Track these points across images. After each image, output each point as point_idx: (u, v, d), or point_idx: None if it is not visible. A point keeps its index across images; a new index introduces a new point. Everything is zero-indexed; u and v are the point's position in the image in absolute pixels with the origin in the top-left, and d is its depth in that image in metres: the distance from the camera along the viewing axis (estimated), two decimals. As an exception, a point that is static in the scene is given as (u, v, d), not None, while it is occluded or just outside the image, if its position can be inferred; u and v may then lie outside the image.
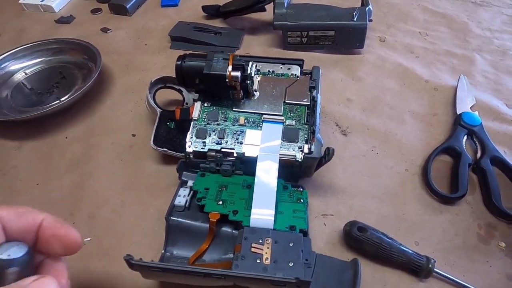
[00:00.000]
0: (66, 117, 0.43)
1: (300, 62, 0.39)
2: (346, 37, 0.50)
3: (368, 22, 0.49)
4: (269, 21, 0.58)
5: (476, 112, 0.42)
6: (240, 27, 0.58)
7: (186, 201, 0.33)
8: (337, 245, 0.32)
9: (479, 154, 0.38)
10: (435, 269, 0.28)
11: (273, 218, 0.29)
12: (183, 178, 0.35)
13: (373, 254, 0.30)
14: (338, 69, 0.50)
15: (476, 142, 0.39)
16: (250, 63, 0.34)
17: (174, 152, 0.36)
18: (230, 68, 0.33)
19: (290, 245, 0.27)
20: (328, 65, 0.50)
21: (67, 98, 0.43)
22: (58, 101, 0.44)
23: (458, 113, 0.42)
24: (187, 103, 0.42)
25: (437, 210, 0.34)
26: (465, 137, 0.39)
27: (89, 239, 0.32)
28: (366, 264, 0.30)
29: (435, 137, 0.41)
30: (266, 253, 0.26)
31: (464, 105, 0.43)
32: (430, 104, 0.45)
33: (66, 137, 0.42)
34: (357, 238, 0.30)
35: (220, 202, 0.31)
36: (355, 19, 0.49)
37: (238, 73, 0.33)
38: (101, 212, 0.34)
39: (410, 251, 0.29)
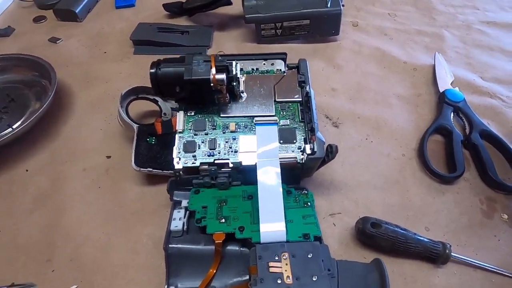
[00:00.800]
0: (23, 146, 0.37)
1: (283, 56, 0.37)
2: (322, 25, 0.49)
3: (341, 7, 0.48)
4: (239, 14, 0.55)
5: (457, 88, 0.43)
6: (208, 24, 0.54)
7: (183, 224, 0.29)
8: (350, 245, 0.30)
9: (467, 130, 0.38)
10: (452, 254, 0.28)
11: (285, 230, 0.27)
12: (176, 198, 0.31)
13: (389, 249, 0.29)
14: (317, 58, 0.49)
15: (463, 118, 0.39)
16: (234, 62, 0.31)
17: (160, 171, 0.33)
18: (213, 70, 0.29)
19: (309, 256, 0.25)
20: (307, 55, 0.48)
21: (21, 124, 0.37)
22: (11, 129, 0.38)
23: (441, 91, 0.42)
24: (165, 114, 0.38)
25: (439, 191, 0.34)
26: (452, 114, 0.40)
27: (75, 286, 0.28)
28: (383, 259, 0.29)
29: (423, 118, 0.41)
30: (286, 270, 0.24)
31: (444, 83, 0.44)
32: (412, 85, 0.45)
33: (27, 170, 0.36)
34: (371, 235, 0.28)
35: (223, 220, 0.28)
36: (328, 5, 0.47)
37: (223, 76, 0.29)
38: (84, 252, 0.30)
39: (426, 240, 0.29)
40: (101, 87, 0.44)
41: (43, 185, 0.34)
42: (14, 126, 0.38)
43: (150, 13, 0.57)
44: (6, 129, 0.38)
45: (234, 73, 0.31)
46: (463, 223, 0.32)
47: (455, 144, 0.36)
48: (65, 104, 0.42)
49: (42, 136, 0.38)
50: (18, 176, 0.35)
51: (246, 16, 0.47)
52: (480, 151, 0.36)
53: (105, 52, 0.50)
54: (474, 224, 0.32)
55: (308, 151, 0.29)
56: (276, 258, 0.25)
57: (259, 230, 0.27)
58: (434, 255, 0.28)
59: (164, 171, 0.33)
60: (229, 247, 0.28)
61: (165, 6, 0.55)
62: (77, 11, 0.54)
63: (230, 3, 0.52)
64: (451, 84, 0.44)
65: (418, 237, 0.29)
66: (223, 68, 0.30)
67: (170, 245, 0.28)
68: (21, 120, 0.39)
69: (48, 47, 0.50)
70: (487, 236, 0.31)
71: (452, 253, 0.28)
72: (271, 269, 0.24)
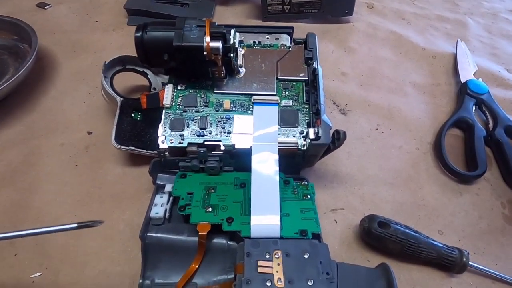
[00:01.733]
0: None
1: (289, 30, 0.33)
2: (334, 3, 0.44)
3: (358, -17, 0.43)
4: (244, -12, 0.51)
5: (480, 79, 0.38)
6: (210, -4, 0.50)
7: (165, 211, 0.26)
8: (353, 245, 0.27)
9: (491, 125, 0.34)
10: (470, 263, 0.24)
11: (279, 224, 0.23)
12: (159, 182, 0.28)
13: (398, 252, 0.25)
14: (327, 40, 0.44)
15: (486, 111, 0.35)
16: (232, 31, 0.27)
17: (144, 150, 0.29)
18: (207, 38, 0.25)
19: (305, 256, 0.22)
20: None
21: (-5, 91, 0.33)
22: (-17, 95, 0.34)
23: (462, 82, 0.38)
24: (154, 88, 0.34)
25: (456, 191, 0.30)
26: (474, 107, 0.36)
27: (39, 274, 0.25)
28: (389, 263, 0.25)
29: (441, 109, 0.37)
30: (277, 271, 0.21)
31: (467, 73, 0.39)
32: (431, 73, 0.41)
33: (-2, 142, 0.32)
34: (378, 235, 0.25)
35: (210, 209, 0.25)
36: (343, -19, 0.43)
37: (219, 44, 0.25)
38: (52, 236, 0.26)
39: (440, 245, 0.25)
40: (88, 57, 0.41)
41: (14, 160, 0.31)
42: (-12, 93, 0.34)
43: (149, -17, 0.52)
44: (-21, 96, 0.34)
45: (231, 42, 0.26)
46: (482, 228, 0.28)
47: (477, 140, 0.32)
48: (47, 73, 0.38)
49: (18, 106, 0.35)
50: (-13, 149, 0.32)
51: (251, -12, 0.43)
52: (504, 148, 0.32)
53: (96, 21, 0.46)
54: (495, 230, 0.28)
55: (312, 135, 0.25)
56: (267, 256, 0.21)
57: (249, 223, 0.23)
58: (449, 262, 0.24)
59: (148, 151, 0.29)
60: (215, 240, 0.25)
61: (165, -25, 0.51)
62: (69, -24, 0.50)
63: (235, -24, 0.48)
64: (473, 74, 0.39)
65: (432, 242, 0.25)
66: (219, 35, 0.26)
67: (148, 234, 0.25)
68: (-3, 87, 0.35)
69: (35, 12, 0.46)
70: (508, 244, 0.27)
71: (469, 262, 0.24)
72: (260, 269, 0.21)
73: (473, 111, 0.35)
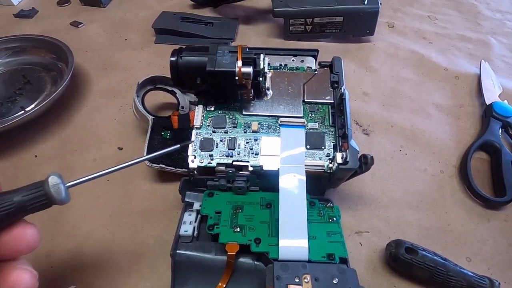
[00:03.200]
0: (34, 130, 0.36)
1: (314, 53, 0.33)
2: (356, 23, 0.45)
3: (379, 5, 0.44)
4: (266, 8, 0.52)
5: (505, 101, 0.38)
6: (234, 16, 0.52)
7: (194, 228, 0.26)
8: (379, 269, 0.27)
9: (518, 149, 0.34)
10: (500, 293, 0.24)
11: (307, 247, 0.24)
12: (187, 200, 0.28)
13: (426, 280, 0.25)
14: (348, 59, 0.45)
15: (513, 135, 0.35)
16: (262, 55, 0.28)
17: (174, 168, 0.30)
18: (239, 63, 0.26)
19: (334, 281, 0.22)
20: (337, 55, 0.45)
21: (34, 108, 0.35)
22: (23, 111, 0.36)
23: (487, 104, 0.38)
24: (183, 107, 0.35)
25: (483, 217, 0.30)
26: (500, 130, 0.35)
27: (73, 287, 0.26)
28: (416, 290, 0.25)
29: (465, 132, 0.37)
30: (307, 296, 0.21)
31: (491, 94, 0.39)
32: (454, 95, 0.41)
33: (36, 156, 0.34)
34: (405, 261, 0.25)
35: (238, 229, 0.26)
36: (365, 3, 0.43)
37: (249, 69, 0.26)
38: (85, 250, 0.27)
39: (470, 273, 0.25)
40: (118, 75, 0.43)
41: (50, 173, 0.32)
42: (27, 109, 0.36)
43: (175, 2, 0.55)
44: (19, 111, 0.36)
45: (261, 67, 0.27)
46: (511, 257, 0.27)
47: (505, 164, 0.32)
48: (81, 90, 0.41)
49: (54, 122, 0.37)
50: (26, 162, 0.33)
51: (274, 9, 0.44)
52: (534, 174, 0.31)
53: (125, 40, 0.48)
54: (525, 259, 0.27)
55: (340, 160, 0.26)
56: (297, 280, 0.22)
57: (277, 245, 0.24)
58: (479, 292, 0.24)
59: (177, 169, 0.30)
60: (241, 260, 0.26)
61: (191, -5, 0.53)
62: (101, -4, 0.53)
63: (258, -4, 0.49)
64: (498, 96, 0.39)
65: (461, 270, 0.25)
66: (250, 61, 0.27)
67: (178, 251, 0.26)
68: (35, 104, 0.37)
69: (69, 31, 0.49)
70: (540, 274, 0.27)
71: (500, 292, 0.24)
72: (291, 293, 0.21)
73: (500, 134, 0.35)
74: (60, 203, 0.19)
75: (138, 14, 0.53)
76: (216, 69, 0.26)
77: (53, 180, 0.19)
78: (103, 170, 0.22)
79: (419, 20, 0.52)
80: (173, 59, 0.27)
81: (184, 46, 0.28)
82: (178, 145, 0.24)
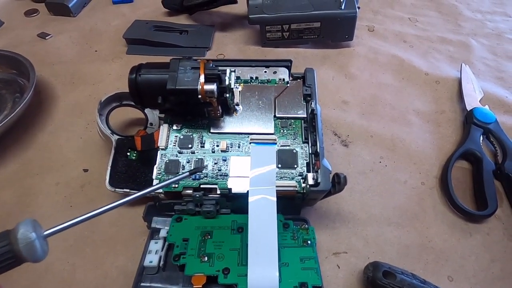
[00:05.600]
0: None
1: (287, 64, 0.32)
2: (334, 28, 0.44)
3: (357, 9, 0.42)
4: (243, 14, 0.51)
5: (487, 106, 0.37)
6: (210, 23, 0.50)
7: (160, 258, 0.25)
8: (357, 293, 0.25)
9: (500, 157, 0.33)
10: (482, 317, 0.23)
11: (277, 277, 0.22)
12: (154, 226, 0.27)
13: (404, 304, 0.24)
14: (327, 66, 0.44)
15: (494, 142, 0.34)
16: (228, 70, 0.27)
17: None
18: (202, 79, 0.25)
19: (305, 316, 0.20)
20: (316, 62, 0.44)
21: (-9, 128, 0.33)
22: (-21, 133, 0.34)
23: (468, 109, 0.37)
24: (151, 124, 0.33)
25: (465, 231, 0.29)
26: (481, 137, 0.34)
27: (28, 327, 0.24)
28: (396, 314, 0.24)
29: (447, 139, 0.36)
30: (275, 335, 0.19)
31: (472, 99, 0.38)
32: (435, 100, 0.40)
33: (-7, 182, 0.32)
34: (383, 286, 0.23)
35: (205, 258, 0.24)
36: (343, 7, 0.42)
37: (213, 86, 0.25)
38: (43, 285, 0.25)
39: (450, 296, 0.23)
40: (87, 89, 0.40)
41: (8, 200, 0.30)
42: (-15, 131, 0.34)
43: (149, 10, 0.53)
44: (-25, 134, 0.34)
45: (227, 83, 0.26)
46: (494, 273, 0.26)
47: (486, 175, 0.31)
48: (45, 107, 0.38)
49: (14, 143, 0.35)
50: (-18, 188, 0.31)
51: (250, 16, 0.43)
52: (516, 184, 0.30)
53: (96, 51, 0.46)
54: (509, 274, 0.26)
55: (311, 181, 0.24)
56: (265, 316, 0.20)
57: (246, 275, 0.22)
58: (460, 316, 0.23)
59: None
60: (211, 290, 0.24)
61: (165, 2, 0.51)
62: (70, 5, 0.50)
63: (235, 2, 0.48)
64: (480, 101, 0.38)
65: (441, 293, 0.23)
66: (214, 77, 0.25)
67: (141, 284, 0.24)
68: (-6, 124, 0.35)
69: (36, 43, 0.47)
70: (524, 291, 0.26)
71: (482, 316, 0.23)
72: (257, 333, 0.19)
73: (481, 141, 0.34)
74: (34, 261, 0.16)
75: (110, 24, 0.50)
76: (177, 87, 0.25)
77: (24, 234, 0.15)
78: (90, 212, 0.19)
79: (399, 23, 0.51)
80: (132, 76, 0.26)
81: (144, 63, 0.26)
82: (187, 172, 0.22)
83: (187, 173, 0.23)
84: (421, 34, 0.49)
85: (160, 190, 0.26)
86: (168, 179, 0.22)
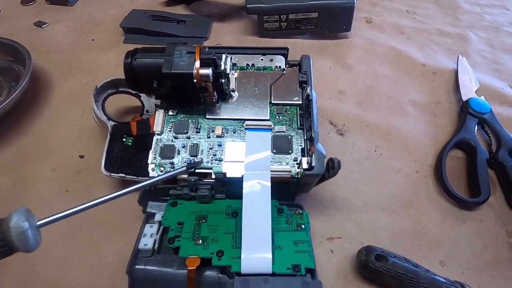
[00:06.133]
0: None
1: (284, 52, 0.32)
2: (332, 19, 0.44)
3: (355, 0, 0.42)
4: (240, 4, 0.50)
5: (482, 97, 0.37)
6: (207, 13, 0.50)
7: (155, 241, 0.25)
8: (350, 278, 0.26)
9: (494, 146, 0.33)
10: (473, 299, 0.23)
11: (270, 259, 0.22)
12: (149, 211, 0.27)
13: (396, 287, 0.24)
14: (324, 56, 0.44)
15: (489, 132, 0.34)
16: (224, 56, 0.27)
17: (135, 177, 0.28)
18: (197, 64, 0.25)
19: (297, 296, 0.21)
20: (313, 53, 0.44)
21: (-14, 115, 0.33)
22: (-24, 119, 0.34)
23: (464, 100, 0.37)
24: (147, 111, 0.33)
25: (458, 218, 0.29)
26: (476, 127, 0.34)
27: (24, 308, 0.24)
28: (388, 297, 0.24)
29: (442, 129, 0.36)
30: (267, 314, 0.20)
31: (468, 90, 0.38)
32: (431, 91, 0.40)
33: (-11, 167, 0.32)
34: (376, 269, 0.24)
35: (200, 241, 0.24)
36: (340, -3, 0.42)
37: (209, 71, 0.25)
38: (39, 268, 0.26)
39: (441, 279, 0.24)
40: (83, 77, 0.40)
41: (3, 186, 0.30)
42: (-19, 117, 0.34)
43: (147, 0, 0.53)
44: (-28, 120, 0.34)
45: (222, 68, 0.26)
46: (486, 259, 0.27)
47: (479, 163, 0.31)
48: (42, 94, 0.38)
49: (11, 130, 0.35)
50: (-22, 174, 0.31)
51: (247, 6, 0.43)
52: (509, 172, 0.30)
53: (93, 40, 0.46)
54: (500, 261, 0.27)
55: (305, 165, 0.24)
56: (257, 296, 0.20)
57: (240, 257, 0.22)
58: (451, 299, 0.23)
59: (138, 178, 0.28)
60: (205, 273, 0.24)
61: (162, -8, 0.51)
62: (67, -5, 0.50)
63: (233, -8, 0.48)
64: (475, 92, 0.38)
65: (432, 276, 0.24)
66: (210, 61, 0.25)
67: (136, 267, 0.24)
68: (-10, 110, 0.35)
69: (32, 32, 0.47)
70: (515, 277, 0.26)
71: (473, 298, 0.23)
72: (249, 312, 0.20)
73: (475, 131, 0.34)
74: (27, 251, 0.15)
75: (107, 13, 0.50)
76: (172, 71, 0.25)
77: (17, 223, 0.15)
78: (84, 204, 0.19)
79: (397, 15, 0.51)
80: (127, 61, 0.26)
81: (140, 47, 0.26)
82: (184, 167, 0.22)
83: (184, 168, 0.23)
84: (419, 26, 0.49)
85: (155, 174, 0.26)
86: (164, 174, 0.23)
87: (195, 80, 0.25)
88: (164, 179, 0.22)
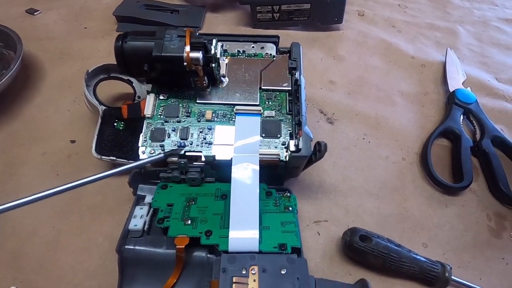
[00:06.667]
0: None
1: (275, 39, 0.32)
2: (324, 11, 0.44)
3: (347, -8, 0.43)
4: (234, -5, 0.51)
5: (469, 88, 0.38)
6: (201, 3, 0.50)
7: (145, 222, 0.25)
8: (335, 258, 0.26)
9: (478, 135, 0.34)
10: (452, 277, 0.24)
11: (257, 238, 0.23)
12: (139, 193, 0.27)
13: (379, 267, 0.25)
14: (316, 47, 0.44)
15: (474, 121, 0.35)
16: (214, 40, 0.27)
17: (125, 160, 0.29)
18: (188, 48, 0.25)
19: (282, 272, 0.21)
20: (305, 44, 0.44)
21: (-23, 99, 0.33)
22: (-35, 103, 0.34)
23: (451, 91, 0.38)
24: (139, 97, 0.34)
25: (441, 203, 0.30)
26: (462, 116, 0.35)
27: (14, 287, 0.24)
28: (371, 277, 0.25)
29: (429, 119, 0.37)
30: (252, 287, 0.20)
31: (455, 82, 0.39)
32: (420, 82, 0.41)
33: (-21, 151, 0.32)
34: (360, 249, 0.24)
35: (189, 222, 0.25)
36: (332, -11, 0.43)
37: (199, 54, 0.25)
38: (28, 249, 0.26)
39: (422, 259, 0.25)
40: (75, 65, 0.40)
41: (-6, 169, 0.30)
42: (-29, 101, 0.34)
43: (140, -10, 0.52)
44: (-38, 104, 0.34)
45: (212, 52, 0.26)
46: (467, 241, 0.28)
47: (463, 151, 0.32)
48: (33, 81, 0.38)
49: (1, 114, 0.34)
50: (-31, 157, 0.31)
51: (241, -4, 0.43)
52: (491, 159, 0.31)
53: (85, 28, 0.46)
54: (480, 243, 0.28)
55: (292, 147, 0.25)
56: (244, 272, 0.21)
57: (228, 237, 0.23)
58: (431, 277, 0.24)
59: (129, 161, 0.29)
60: (194, 253, 0.25)
61: (156, -18, 0.51)
62: (59, -18, 0.50)
63: (226, -17, 0.48)
64: (462, 83, 0.39)
65: (414, 256, 0.25)
66: (200, 45, 0.25)
67: (126, 247, 0.24)
68: (-20, 95, 0.35)
69: (24, 18, 0.46)
70: (494, 258, 0.27)
71: (452, 276, 0.24)
72: (235, 286, 0.20)
73: (461, 121, 0.35)
74: None
75: (100, 1, 0.50)
76: (163, 54, 0.25)
77: None
78: (50, 190, 0.19)
79: (389, 9, 0.52)
80: (117, 44, 0.26)
81: (131, 31, 0.27)
82: (162, 154, 0.23)
83: (162, 155, 0.23)
84: (410, 20, 0.50)
85: (146, 157, 0.26)
86: (145, 159, 0.23)
87: (185, 64, 0.25)
88: (144, 164, 0.23)
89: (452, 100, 0.37)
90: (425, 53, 0.44)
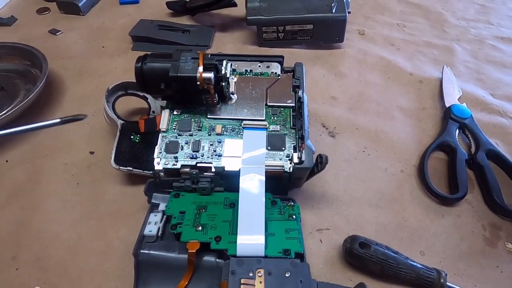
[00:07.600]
0: (6, 136, 0.36)
1: (280, 59, 0.35)
2: (326, 31, 0.47)
3: (347, 13, 0.46)
4: (241, 16, 0.54)
5: (464, 104, 0.40)
6: (210, 24, 0.53)
7: (159, 228, 0.27)
8: (336, 264, 0.28)
9: (473, 149, 0.36)
10: (447, 283, 0.25)
11: (263, 244, 0.25)
12: (154, 201, 0.29)
13: (378, 272, 0.26)
14: (319, 65, 0.47)
15: (469, 135, 0.37)
16: (225, 61, 0.30)
17: (141, 171, 0.31)
18: (201, 68, 0.28)
19: (286, 275, 0.23)
20: (308, 62, 0.47)
21: (6, 113, 0.35)
22: (-5, 116, 0.37)
23: (447, 106, 0.40)
24: (154, 111, 0.36)
25: (438, 213, 0.31)
26: (457, 131, 0.37)
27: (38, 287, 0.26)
28: (371, 283, 0.27)
29: (426, 133, 0.39)
30: (259, 289, 0.22)
31: (452, 97, 0.41)
32: (417, 98, 0.43)
33: (7, 161, 0.35)
34: (359, 255, 0.26)
35: (200, 228, 0.27)
36: (333, 11, 0.45)
37: (211, 74, 0.28)
38: (51, 252, 0.28)
39: (419, 266, 0.26)
40: (94, 81, 0.43)
41: (20, 178, 0.33)
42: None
43: (154, 11, 0.56)
44: (-8, 118, 0.37)
45: (223, 72, 0.29)
46: (462, 250, 0.29)
47: (459, 163, 0.34)
48: (55, 96, 0.41)
49: (27, 127, 0.37)
50: (-3, 167, 0.34)
51: (248, 17, 0.46)
52: (486, 172, 0.33)
53: (103, 47, 0.49)
54: (475, 252, 0.29)
55: (296, 160, 0.27)
56: (251, 274, 0.23)
57: (236, 242, 0.25)
58: (427, 283, 0.25)
59: (144, 171, 0.31)
60: (204, 258, 0.26)
61: (168, 4, 0.55)
62: (80, 5, 0.54)
63: (234, 5, 0.51)
64: (458, 99, 0.41)
65: (411, 262, 0.26)
66: (212, 66, 0.28)
67: (141, 251, 0.26)
68: (8, 109, 0.37)
69: (47, 39, 0.50)
70: (488, 266, 0.28)
71: (447, 283, 0.25)
72: (243, 287, 0.22)
73: (456, 135, 0.37)
74: None
75: (116, 22, 0.54)
76: (178, 74, 0.28)
77: None
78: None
79: (388, 28, 0.55)
80: (138, 65, 0.29)
81: (149, 53, 0.29)
82: (58, 119, 0.26)
83: (59, 120, 0.27)
84: (408, 38, 0.53)
85: (161, 169, 0.29)
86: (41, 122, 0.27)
87: (198, 83, 0.28)
88: (39, 128, 0.26)
89: (448, 115, 0.38)
90: (422, 70, 0.47)
